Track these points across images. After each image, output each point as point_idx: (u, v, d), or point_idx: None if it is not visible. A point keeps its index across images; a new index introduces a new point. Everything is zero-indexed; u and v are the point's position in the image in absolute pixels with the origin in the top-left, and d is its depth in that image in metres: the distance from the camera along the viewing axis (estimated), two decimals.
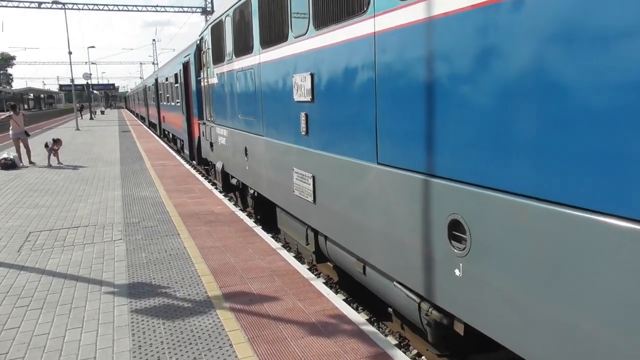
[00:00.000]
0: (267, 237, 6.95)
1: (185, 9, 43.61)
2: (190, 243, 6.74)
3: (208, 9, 43.31)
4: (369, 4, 4.00)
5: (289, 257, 6.11)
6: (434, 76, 3.24)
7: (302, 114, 5.67)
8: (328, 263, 6.43)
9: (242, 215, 8.33)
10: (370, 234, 4.33)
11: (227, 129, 9.85)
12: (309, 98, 5.44)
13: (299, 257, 7.32)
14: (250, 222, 7.85)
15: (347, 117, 4.62)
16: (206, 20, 43.69)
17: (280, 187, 6.77)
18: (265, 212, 9.52)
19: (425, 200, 3.44)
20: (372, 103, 4.11)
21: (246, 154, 8.50)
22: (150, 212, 8.68)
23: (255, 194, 8.69)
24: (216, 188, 11.45)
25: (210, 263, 6.00)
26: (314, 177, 5.52)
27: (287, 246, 7.57)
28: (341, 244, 5.08)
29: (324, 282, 6.33)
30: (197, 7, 43.40)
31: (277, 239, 7.67)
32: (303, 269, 5.78)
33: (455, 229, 3.15)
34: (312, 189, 5.58)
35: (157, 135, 28.28)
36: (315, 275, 6.78)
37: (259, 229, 7.44)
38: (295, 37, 5.72)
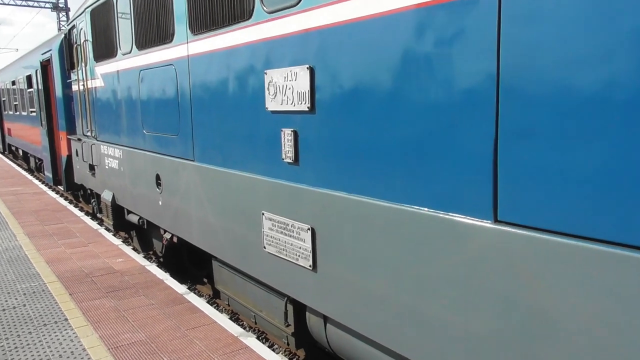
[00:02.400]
0: (217, 316, 4.66)
1: (31, 3, 37.36)
2: (92, 339, 4.19)
3: (61, 5, 37.64)
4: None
5: (268, 354, 3.93)
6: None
7: (288, 132, 3.65)
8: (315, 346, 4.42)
9: (162, 274, 5.86)
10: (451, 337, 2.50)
11: (122, 149, 7.26)
12: (306, 106, 3.44)
13: (264, 339, 5.16)
14: (179, 287, 5.45)
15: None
16: (60, 17, 37.95)
17: (230, 237, 4.60)
18: (179, 259, 7.14)
19: None
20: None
21: (158, 184, 6.10)
22: (9, 279, 5.78)
23: (174, 239, 6.29)
24: (103, 226, 8.64)
25: None
26: (313, 231, 3.52)
27: (252, 328, 5.30)
28: (372, 337, 3.16)
29: None
30: (47, 2, 37.44)
31: (228, 315, 5.41)
32: None
33: None
34: (309, 248, 3.57)
35: None
36: None
37: (196, 299, 5.11)
38: (271, 12, 3.68)
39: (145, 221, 7.10)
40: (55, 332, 4.26)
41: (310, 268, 3.57)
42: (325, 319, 3.82)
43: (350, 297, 3.27)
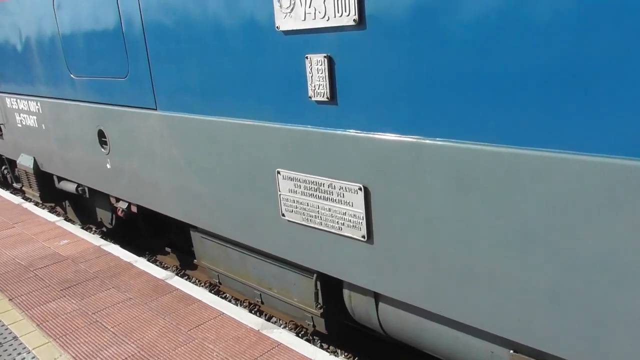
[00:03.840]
0: (221, 304, 3.64)
1: None
2: None
3: None
4: None
5: (312, 351, 3.03)
6: None
7: (318, 59, 2.63)
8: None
9: (127, 254, 4.68)
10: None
11: (40, 101, 5.74)
12: (352, 19, 2.43)
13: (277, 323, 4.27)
14: (157, 270, 4.32)
15: None
16: None
17: (225, 205, 3.59)
18: (133, 230, 6.00)
19: None
20: None
21: (103, 144, 4.82)
22: None
23: (133, 208, 5.10)
24: (30, 201, 7.12)
25: None
26: (366, 191, 2.63)
27: (275, 319, 4.31)
28: (468, 322, 2.43)
29: None
30: None
31: (233, 301, 4.42)
32: None
33: None
34: (361, 214, 2.69)
35: None
36: None
37: (185, 284, 4.06)
38: None
39: (86, 189, 5.78)
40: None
41: (363, 239, 2.71)
42: (377, 298, 3.03)
43: (427, 275, 2.47)
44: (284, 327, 3.98)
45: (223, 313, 3.50)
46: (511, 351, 2.41)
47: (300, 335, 3.80)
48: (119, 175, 4.80)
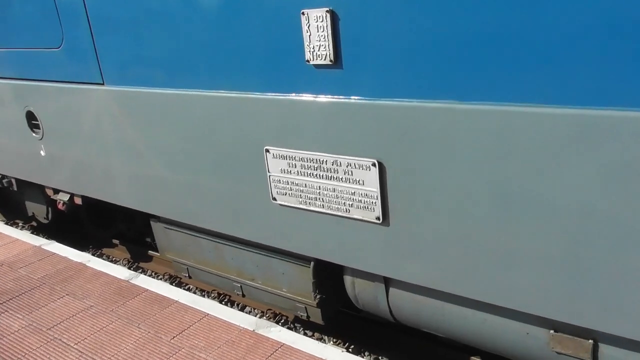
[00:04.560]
0: (202, 304, 3.19)
1: None
2: None
3: None
4: None
5: (321, 349, 2.68)
6: None
7: (317, 14, 2.23)
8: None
9: (76, 253, 4.06)
10: None
11: None
12: None
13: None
14: (117, 269, 3.74)
15: None
16: None
17: (199, 191, 3.13)
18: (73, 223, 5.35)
19: None
20: None
21: (34, 127, 4.12)
22: None
23: (76, 200, 4.45)
24: None
25: None
26: (381, 166, 2.30)
27: (274, 314, 3.84)
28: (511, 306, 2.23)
29: None
30: None
31: (210, 296, 3.95)
32: None
33: None
34: (374, 193, 2.36)
35: None
36: None
37: (154, 282, 3.56)
38: None
39: (13, 181, 5.01)
40: None
41: (378, 221, 2.40)
42: (388, 283, 2.75)
43: (455, 257, 2.21)
44: (273, 320, 3.62)
45: (207, 314, 3.08)
46: (551, 331, 2.23)
47: (296, 327, 3.46)
48: (57, 164, 4.14)
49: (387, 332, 3.68)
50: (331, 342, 3.70)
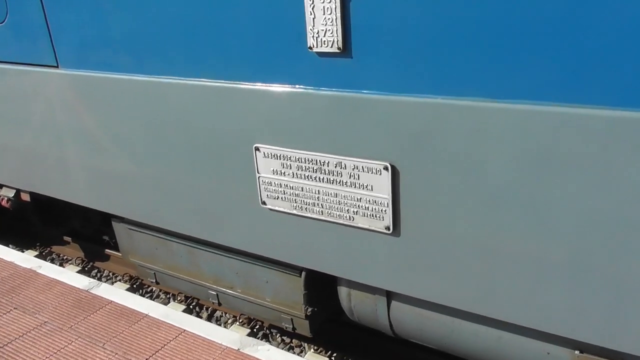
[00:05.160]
0: (174, 317, 2.82)
1: None
2: None
3: None
4: None
5: None
6: None
7: None
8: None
9: (25, 257, 3.56)
10: None
11: None
12: None
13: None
14: (75, 277, 3.28)
15: None
16: None
17: (172, 191, 2.77)
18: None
19: None
20: None
21: None
22: None
23: (23, 197, 3.93)
24: None
25: None
26: (394, 170, 2.03)
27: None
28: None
29: None
30: None
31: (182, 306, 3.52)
32: None
33: None
34: (385, 200, 2.09)
35: None
36: None
37: (119, 292, 3.14)
38: None
39: None
40: None
41: (387, 231, 2.13)
42: (390, 296, 2.50)
43: (478, 272, 1.98)
44: (247, 326, 3.30)
45: (184, 330, 2.73)
46: (577, 352, 2.05)
47: (272, 334, 3.16)
48: (1, 155, 3.63)
49: (373, 339, 3.46)
50: (312, 350, 3.44)
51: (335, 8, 1.91)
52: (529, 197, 1.78)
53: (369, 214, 2.16)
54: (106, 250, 4.91)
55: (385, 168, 2.03)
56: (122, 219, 3.46)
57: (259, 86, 2.23)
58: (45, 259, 4.44)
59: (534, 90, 1.66)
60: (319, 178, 2.23)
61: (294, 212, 2.37)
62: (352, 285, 2.60)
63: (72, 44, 2.80)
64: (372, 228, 2.17)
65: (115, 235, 3.68)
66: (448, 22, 1.73)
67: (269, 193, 2.41)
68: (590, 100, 1.58)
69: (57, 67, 2.90)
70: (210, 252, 3.09)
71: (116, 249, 4.34)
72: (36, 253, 4.77)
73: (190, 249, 3.20)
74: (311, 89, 2.10)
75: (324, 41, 1.99)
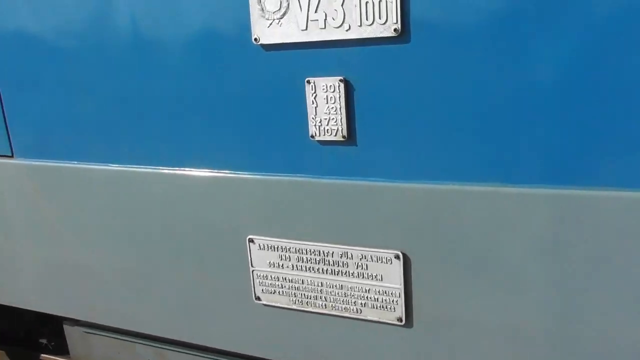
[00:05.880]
0: None
1: None
2: None
3: None
4: None
5: None
6: None
7: (326, 84, 1.88)
8: None
9: None
10: None
11: None
12: (391, 29, 1.75)
13: None
14: None
15: None
16: None
17: (146, 289, 2.50)
18: None
19: None
20: None
21: None
22: None
23: None
24: None
25: None
26: (406, 258, 1.95)
27: None
28: None
29: None
30: None
31: None
32: None
33: None
34: (397, 290, 2.00)
35: None
36: None
37: None
38: None
39: None
40: None
41: (399, 322, 2.02)
42: None
43: None
44: None
45: None
46: None
47: None
48: None
49: None
50: None
51: (340, 97, 1.88)
52: (549, 284, 1.76)
53: (378, 305, 2.04)
54: (41, 355, 4.33)
55: (397, 256, 1.95)
56: (76, 322, 3.08)
57: (255, 175, 2.11)
58: None
59: (544, 173, 1.68)
60: (322, 269, 2.10)
61: (294, 307, 2.20)
62: None
63: (30, 131, 2.56)
64: (382, 320, 2.05)
65: (64, 338, 3.26)
66: (458, 107, 1.75)
67: (264, 287, 2.23)
68: (608, 183, 1.62)
69: (11, 156, 2.62)
70: (182, 352, 2.79)
71: (56, 352, 3.85)
72: None
73: (158, 350, 2.88)
74: (313, 177, 2.02)
75: (327, 130, 1.94)
